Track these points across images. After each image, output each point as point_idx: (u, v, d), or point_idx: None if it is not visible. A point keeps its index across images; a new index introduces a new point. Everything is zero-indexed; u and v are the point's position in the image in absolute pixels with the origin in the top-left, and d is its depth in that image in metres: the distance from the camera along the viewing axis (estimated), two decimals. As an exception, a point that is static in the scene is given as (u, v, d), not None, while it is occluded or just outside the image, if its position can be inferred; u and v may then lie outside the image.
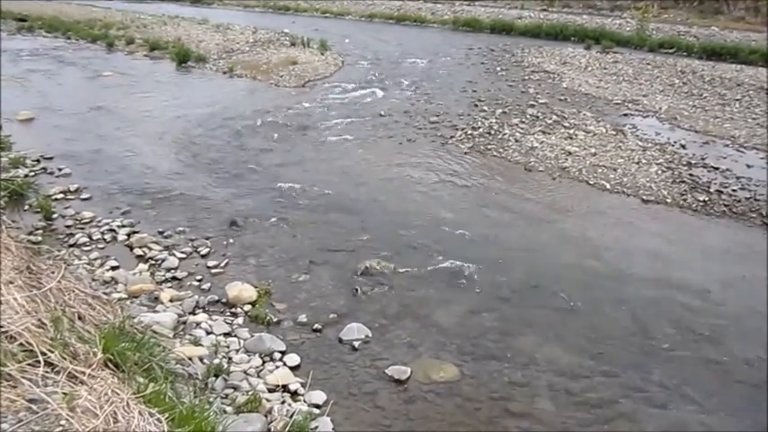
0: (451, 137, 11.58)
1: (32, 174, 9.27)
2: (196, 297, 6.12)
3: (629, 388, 5.15)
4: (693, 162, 10.37)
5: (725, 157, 10.74)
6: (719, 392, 5.16)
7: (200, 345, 5.25)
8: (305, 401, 4.72)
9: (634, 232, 8.10)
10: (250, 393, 4.55)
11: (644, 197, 9.07)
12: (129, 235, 7.44)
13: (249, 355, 5.26)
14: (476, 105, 13.67)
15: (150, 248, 7.13)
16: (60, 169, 9.53)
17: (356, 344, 5.53)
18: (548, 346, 5.67)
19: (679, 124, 12.68)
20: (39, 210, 7.89)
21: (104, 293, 5.50)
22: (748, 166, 10.31)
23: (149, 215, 8.10)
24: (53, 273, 4.81)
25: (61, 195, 8.55)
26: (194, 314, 5.84)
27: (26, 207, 8.09)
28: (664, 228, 8.25)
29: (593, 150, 10.79)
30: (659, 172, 9.91)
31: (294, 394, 4.82)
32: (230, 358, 5.17)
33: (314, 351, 5.45)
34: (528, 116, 12.72)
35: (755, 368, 5.46)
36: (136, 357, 3.95)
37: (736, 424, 4.82)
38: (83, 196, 8.61)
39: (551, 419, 4.76)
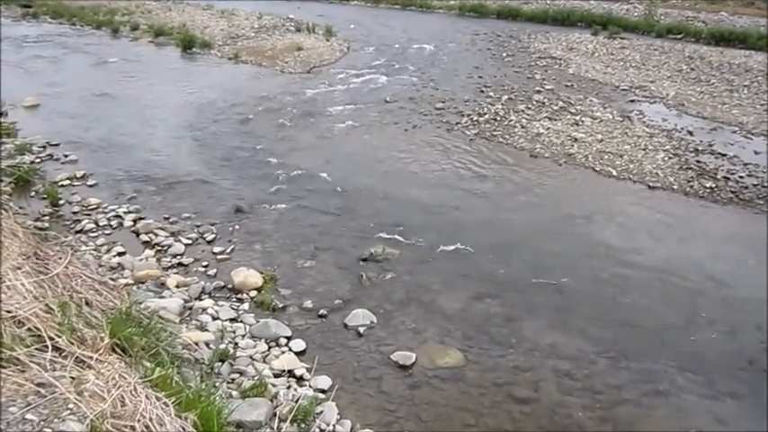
0: (457, 123, 11.54)
1: (39, 160, 9.31)
2: (202, 283, 6.16)
3: (634, 373, 5.17)
4: (700, 148, 10.31)
5: (732, 144, 10.67)
6: (723, 379, 5.17)
7: (207, 330, 5.29)
8: (310, 386, 4.76)
9: (640, 219, 8.07)
10: (256, 378, 4.59)
11: (650, 183, 9.03)
12: (135, 221, 7.47)
13: (255, 341, 5.30)
14: (482, 91, 13.59)
15: (156, 234, 7.16)
16: (66, 156, 9.56)
17: (361, 329, 5.56)
18: (552, 331, 5.68)
19: (686, 110, 12.59)
20: (45, 196, 7.94)
21: (111, 279, 5.54)
22: (756, 153, 10.24)
23: (155, 201, 8.13)
24: (60, 258, 4.83)
25: (67, 182, 8.59)
26: (200, 300, 5.88)
27: (33, 193, 8.13)
28: (670, 214, 8.22)
29: (599, 137, 10.73)
30: (666, 158, 9.86)
31: (300, 379, 4.86)
32: (236, 343, 5.21)
33: (319, 337, 5.48)
34: (534, 102, 12.65)
35: (761, 353, 5.47)
36: (143, 342, 3.97)
37: (742, 411, 4.84)
38: (89, 182, 8.64)
39: (555, 405, 4.79)
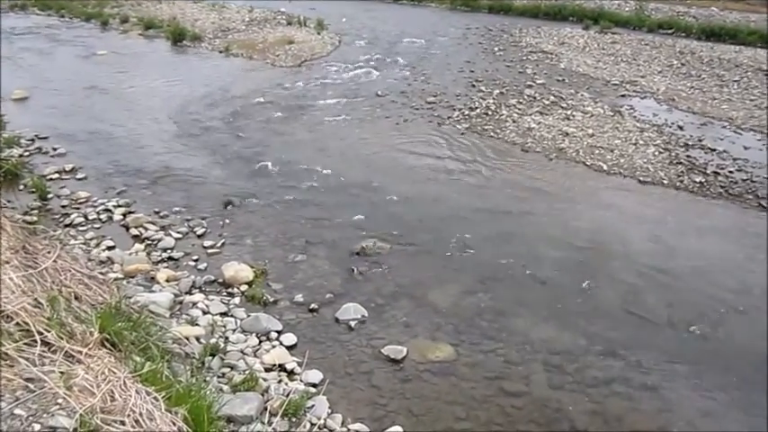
0: (448, 117, 11.53)
1: (27, 153, 9.22)
2: (192, 277, 6.13)
3: (624, 367, 5.19)
4: (691, 143, 10.36)
5: (722, 139, 10.73)
6: (713, 373, 5.21)
7: (197, 324, 5.27)
8: (301, 380, 4.76)
9: (630, 213, 8.11)
10: (246, 372, 4.57)
11: (641, 178, 9.07)
12: (124, 215, 7.43)
13: (246, 335, 5.29)
14: (473, 86, 13.59)
15: (146, 228, 7.12)
16: (55, 149, 9.47)
17: (352, 324, 5.55)
18: (542, 325, 5.70)
19: (677, 105, 12.64)
20: (34, 190, 7.87)
21: (100, 273, 5.50)
22: (745, 148, 10.30)
23: (145, 195, 8.08)
24: (49, 253, 4.79)
25: (56, 175, 8.51)
26: (191, 294, 5.85)
27: (21, 187, 8.06)
28: (660, 209, 8.26)
29: (590, 131, 10.76)
30: (656, 153, 9.90)
31: (290, 373, 4.85)
32: (227, 338, 5.20)
33: (310, 331, 5.48)
34: (525, 97, 12.66)
35: (749, 350, 5.52)
36: (132, 337, 3.96)
37: (732, 404, 4.88)
38: (78, 176, 8.58)
39: (546, 399, 4.81)
